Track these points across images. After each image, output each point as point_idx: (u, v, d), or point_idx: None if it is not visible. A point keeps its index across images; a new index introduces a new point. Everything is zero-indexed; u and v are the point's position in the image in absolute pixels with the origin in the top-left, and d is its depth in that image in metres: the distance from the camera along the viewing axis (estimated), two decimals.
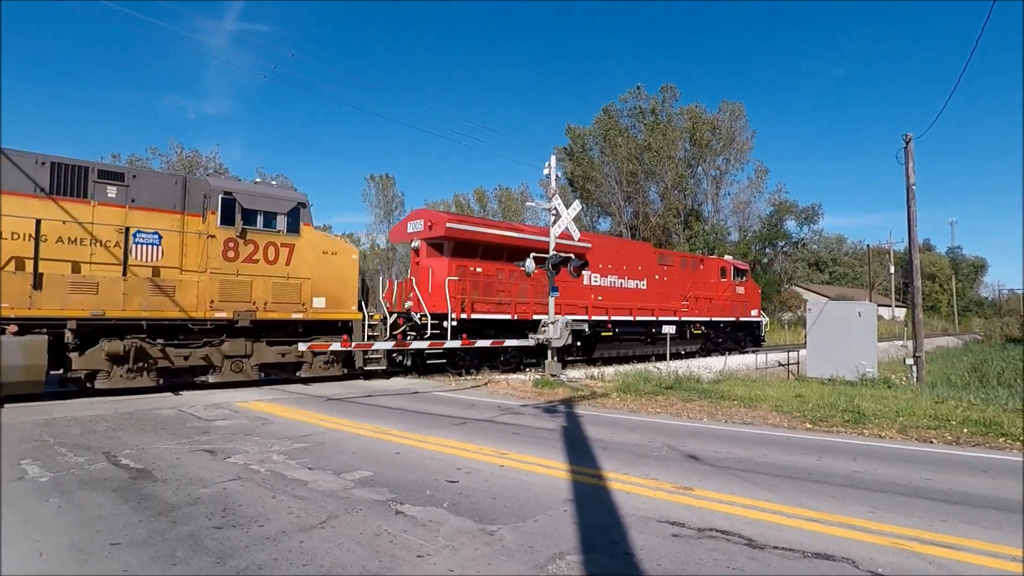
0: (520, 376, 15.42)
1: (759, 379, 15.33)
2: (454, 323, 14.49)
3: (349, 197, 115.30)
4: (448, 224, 15.44)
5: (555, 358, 14.34)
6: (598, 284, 19.13)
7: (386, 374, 14.53)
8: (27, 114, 76.69)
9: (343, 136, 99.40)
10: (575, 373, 16.00)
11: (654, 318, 20.58)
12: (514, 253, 15.93)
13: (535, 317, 15.83)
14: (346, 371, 13.71)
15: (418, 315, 14.59)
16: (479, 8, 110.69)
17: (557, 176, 15.19)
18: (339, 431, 7.78)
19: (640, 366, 16.65)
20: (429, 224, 15.64)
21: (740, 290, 25.34)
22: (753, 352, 23.91)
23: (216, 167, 33.23)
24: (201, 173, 32.62)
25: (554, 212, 14.76)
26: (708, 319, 23.26)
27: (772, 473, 5.95)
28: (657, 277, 21.24)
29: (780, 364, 19.96)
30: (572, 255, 14.99)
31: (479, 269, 15.79)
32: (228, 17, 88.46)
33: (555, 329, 13.96)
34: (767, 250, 54.01)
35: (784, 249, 56.04)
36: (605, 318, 18.83)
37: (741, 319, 25.31)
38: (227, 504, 4.67)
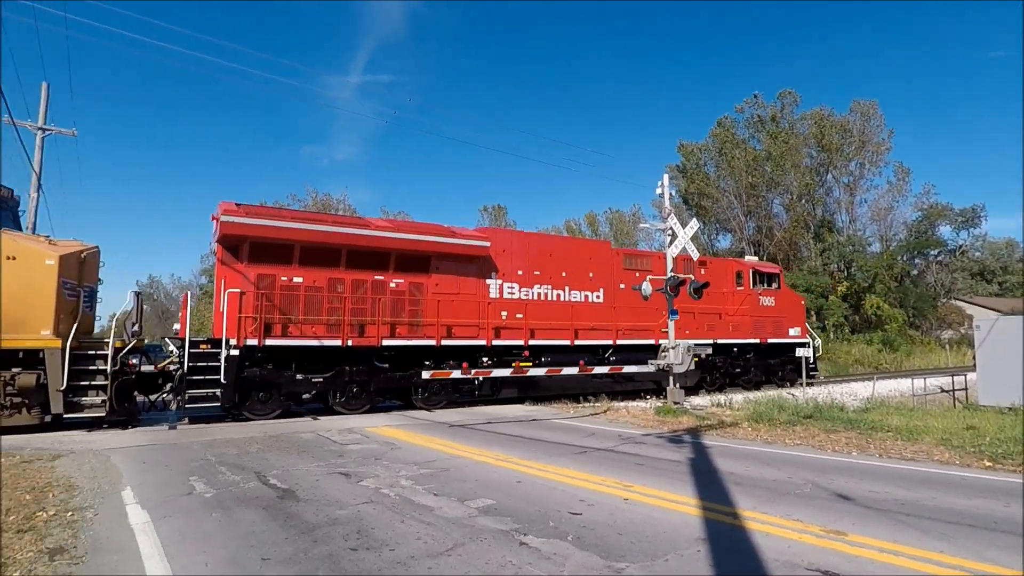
0: (641, 404, 14.90)
1: (917, 408, 13.54)
2: (234, 352, 10.89)
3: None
4: (226, 218, 11.17)
5: (677, 384, 13.70)
6: (512, 296, 14.38)
7: (502, 400, 14.66)
8: (197, 168, 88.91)
9: (458, 170, 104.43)
10: (699, 400, 15.17)
11: (608, 342, 15.47)
12: (359, 256, 12.51)
13: (387, 343, 12.52)
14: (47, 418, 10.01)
15: (174, 345, 11.08)
16: (580, 32, 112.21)
17: (671, 194, 14.71)
18: (462, 458, 7.94)
19: (773, 392, 15.40)
20: (216, 219, 11.51)
21: (767, 301, 19.12)
22: (800, 386, 18.20)
23: (346, 208, 36.25)
24: (334, 212, 35.76)
25: (670, 232, 14.27)
26: (711, 342, 17.15)
27: (946, 519, 5.15)
28: (623, 286, 15.97)
29: (942, 390, 17.52)
30: (685, 276, 14.41)
31: (298, 279, 11.97)
32: (354, 71, 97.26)
33: (676, 354, 13.35)
34: (916, 260, 48.25)
35: (939, 258, 49.75)
36: (519, 343, 14.16)
37: (771, 341, 18.85)
38: (361, 526, 4.89)
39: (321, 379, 12.10)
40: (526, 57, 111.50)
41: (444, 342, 13.15)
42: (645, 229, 47.30)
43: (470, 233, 14.48)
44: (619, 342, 15.61)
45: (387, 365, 12.82)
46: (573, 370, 14.76)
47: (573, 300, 15.36)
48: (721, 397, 15.37)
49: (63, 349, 9.69)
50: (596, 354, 15.48)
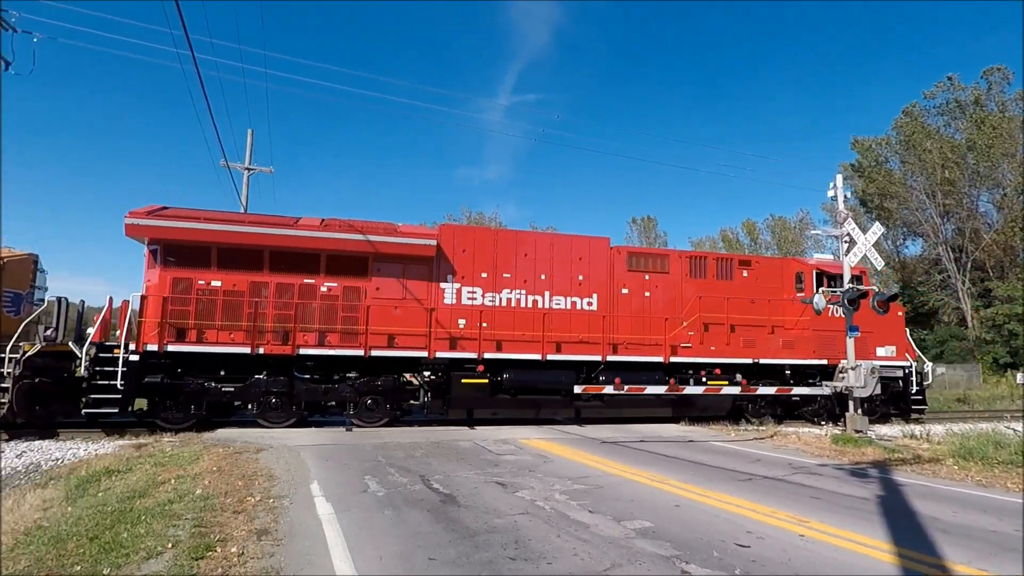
0: (814, 430, 13.44)
1: None
2: (133, 357, 10.45)
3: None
4: (129, 220, 10.85)
5: (859, 410, 12.13)
6: (473, 302, 12.60)
7: (653, 420, 14.11)
8: (371, 197, 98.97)
9: (607, 183, 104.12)
10: (885, 430, 13.28)
11: (596, 357, 13.00)
12: (284, 259, 11.66)
13: (305, 351, 11.54)
14: None
15: (76, 349, 10.51)
16: (728, 26, 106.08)
17: (845, 196, 13.22)
18: (615, 476, 7.77)
19: (987, 425, 12.92)
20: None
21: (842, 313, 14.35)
22: (901, 423, 14.66)
23: (496, 224, 37.92)
24: None
25: (846, 239, 12.80)
26: (751, 361, 14.00)
27: None
28: (626, 291, 13.56)
29: None
30: (868, 288, 12.79)
31: (216, 283, 11.34)
32: (501, 93, 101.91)
33: (857, 376, 11.87)
34: None
35: None
36: (472, 355, 12.32)
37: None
38: (518, 536, 4.98)
39: (232, 388, 11.37)
40: (671, 62, 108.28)
41: (375, 352, 11.73)
42: (815, 236, 43.07)
43: (415, 231, 12.78)
44: (613, 358, 13.08)
45: (308, 376, 11.81)
46: (659, 389, 13.12)
47: (555, 307, 13.02)
48: (916, 428, 13.29)
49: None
50: (580, 371, 13.15)
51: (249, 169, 20.15)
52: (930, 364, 15.89)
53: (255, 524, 5.17)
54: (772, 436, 12.27)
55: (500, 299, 12.80)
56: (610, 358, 13.08)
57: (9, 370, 10.06)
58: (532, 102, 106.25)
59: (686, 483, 7.36)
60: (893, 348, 15.03)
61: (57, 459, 8.87)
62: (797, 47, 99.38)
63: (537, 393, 12.77)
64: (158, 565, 4.19)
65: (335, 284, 11.87)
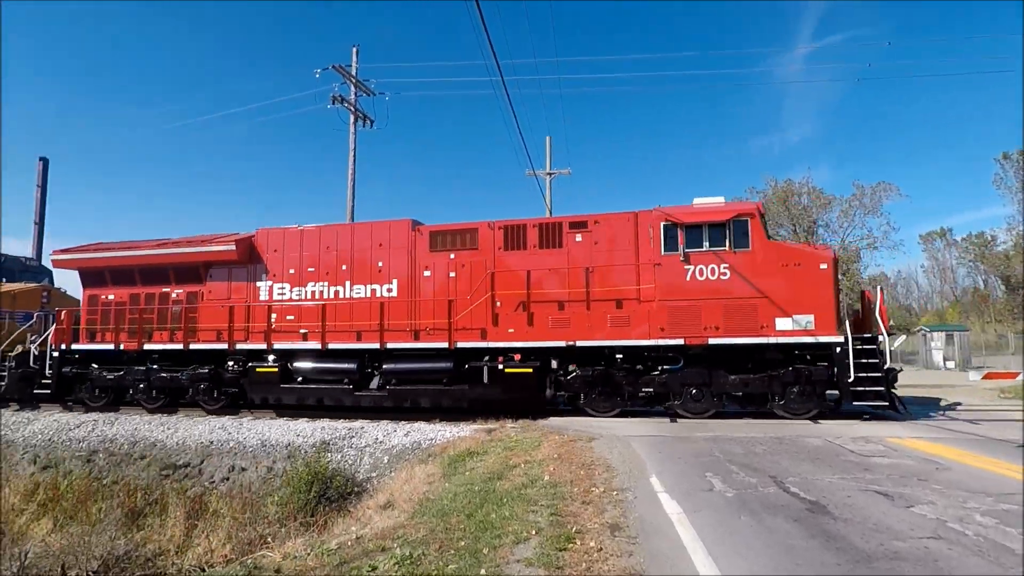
0: None
1: None
2: (55, 353, 14.13)
3: (974, 188, 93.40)
4: (53, 257, 15.44)
5: None
6: (283, 297, 13.13)
7: None
8: (656, 178, 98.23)
9: (951, 123, 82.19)
10: None
11: (374, 345, 12.04)
12: (148, 274, 14.07)
13: (148, 347, 13.56)
14: None
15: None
16: None
17: None
18: None
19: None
20: None
21: (718, 272, 10.65)
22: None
23: (809, 190, 32.98)
24: (796, 200, 33.04)
25: None
26: (565, 344, 11.17)
27: None
28: (429, 274, 12.35)
29: None
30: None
31: (110, 296, 14.33)
32: (800, 40, 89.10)
33: None
34: None
35: None
36: (262, 347, 12.83)
37: (716, 341, 10.59)
38: (936, 570, 3.74)
39: (112, 377, 13.80)
40: None
41: (193, 346, 13.23)
42: None
43: (219, 238, 13.80)
44: (394, 345, 12.09)
45: (156, 367, 13.55)
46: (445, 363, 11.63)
47: (355, 296, 12.66)
48: None
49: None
50: (364, 360, 12.27)
51: (550, 174, 21.63)
52: (884, 336, 10.43)
53: (605, 517, 5.06)
54: None
55: (305, 292, 13.03)
56: (391, 345, 12.10)
57: (11, 364, 14.46)
58: (836, 45, 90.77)
59: None
60: (811, 317, 10.33)
61: (432, 439, 10.59)
62: None
63: (321, 382, 12.54)
64: (527, 551, 4.33)
65: (181, 290, 13.88)
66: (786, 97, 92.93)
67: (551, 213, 21.65)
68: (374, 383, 12.29)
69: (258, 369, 12.69)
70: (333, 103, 20.35)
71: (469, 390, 11.64)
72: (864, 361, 10.33)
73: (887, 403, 10.16)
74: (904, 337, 13.47)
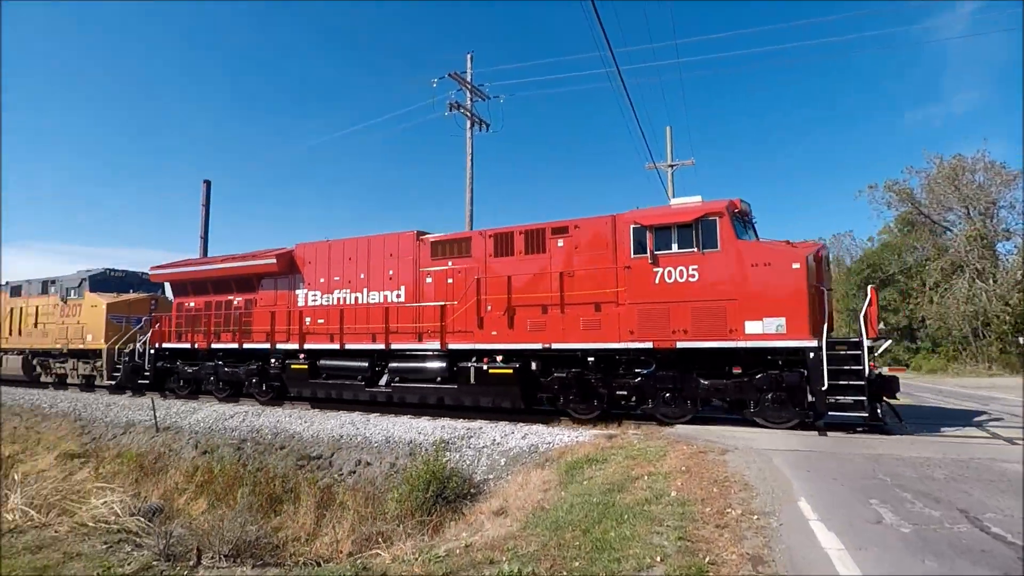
0: None
1: None
2: (152, 351, 16.77)
3: None
4: (150, 273, 18.36)
5: None
6: (315, 303, 14.38)
7: None
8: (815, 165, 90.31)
9: None
10: None
11: (381, 346, 13.07)
12: (217, 284, 16.13)
13: (215, 346, 15.71)
14: None
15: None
16: None
17: None
18: None
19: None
20: None
21: (687, 274, 10.09)
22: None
23: (986, 166, 28.15)
24: (968, 179, 28.45)
25: None
26: (541, 346, 11.27)
27: None
28: (430, 280, 12.86)
29: None
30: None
31: (191, 304, 16.49)
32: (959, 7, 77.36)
33: None
34: None
35: None
36: (295, 346, 14.31)
37: (684, 344, 10.03)
38: None
39: (191, 371, 16.19)
40: None
41: (246, 345, 15.08)
42: None
43: (269, 253, 15.26)
44: (397, 346, 13.00)
45: (221, 363, 15.63)
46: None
47: (371, 302, 13.73)
48: None
49: (110, 350, 18.36)
50: (373, 360, 13.43)
51: (672, 166, 20.42)
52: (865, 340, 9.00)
53: (745, 547, 4.32)
54: None
55: (332, 298, 14.22)
56: (394, 346, 13.05)
57: (126, 359, 17.40)
58: None
59: None
60: (782, 320, 9.30)
61: (549, 443, 10.22)
62: None
63: (340, 378, 13.73)
64: None
65: (240, 298, 15.57)
66: (948, 62, 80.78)
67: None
68: (383, 380, 13.31)
69: (293, 366, 14.27)
70: (450, 110, 20.81)
71: (458, 389, 12.14)
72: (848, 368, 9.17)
73: (866, 414, 8.99)
74: (889, 342, 11.23)
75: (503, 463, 9.99)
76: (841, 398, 9.05)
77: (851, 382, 9.02)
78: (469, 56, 21.26)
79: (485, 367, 11.75)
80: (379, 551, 5.37)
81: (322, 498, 9.35)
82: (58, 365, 20.49)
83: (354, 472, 11.02)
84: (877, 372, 9.54)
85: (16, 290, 22.12)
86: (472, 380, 11.82)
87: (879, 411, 9.38)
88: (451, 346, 12.25)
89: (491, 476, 9.71)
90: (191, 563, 5.77)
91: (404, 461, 10.62)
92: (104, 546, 6.34)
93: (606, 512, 5.38)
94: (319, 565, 5.95)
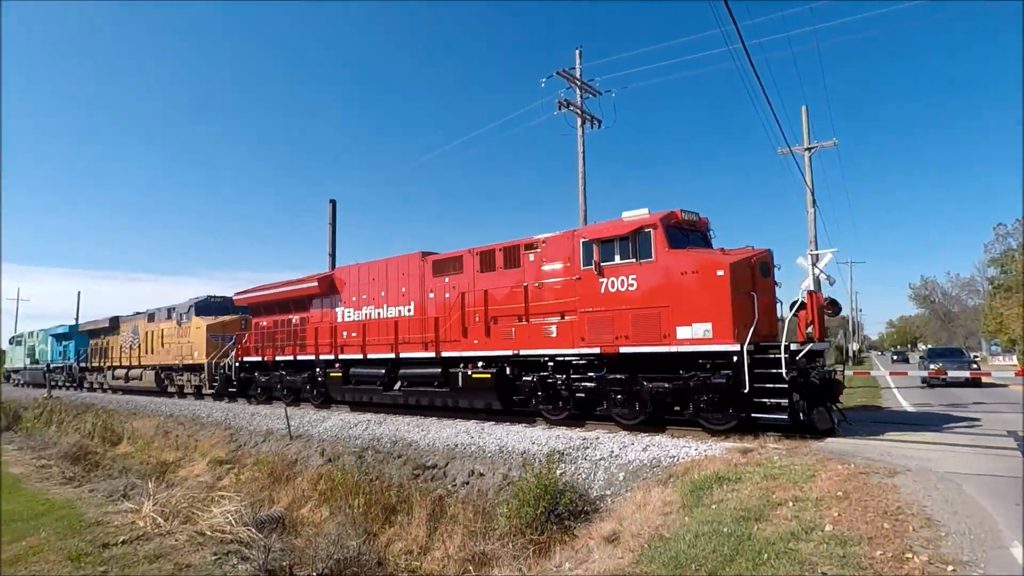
0: None
1: None
2: (235, 364, 19.93)
3: None
4: (236, 297, 21.47)
5: None
6: (350, 319, 16.26)
7: None
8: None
9: None
10: None
11: (392, 355, 14.69)
12: (280, 305, 18.63)
13: (279, 358, 18.16)
14: None
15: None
16: None
17: None
18: None
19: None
20: None
21: (622, 283, 10.70)
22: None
23: None
24: None
25: None
26: (512, 353, 12.26)
27: None
28: (433, 295, 14.17)
29: None
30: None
31: (264, 323, 19.05)
32: None
33: None
34: None
35: None
36: (330, 357, 16.43)
37: (626, 349, 10.53)
38: None
39: (264, 380, 18.81)
40: None
41: (299, 357, 17.36)
42: None
43: (313, 277, 17.56)
44: (405, 355, 14.46)
45: (283, 372, 18.20)
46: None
47: (389, 316, 15.22)
48: None
49: (210, 364, 21.57)
50: (387, 367, 15.02)
51: (809, 149, 18.19)
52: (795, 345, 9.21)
53: None
54: None
55: (361, 315, 15.85)
56: (403, 355, 14.42)
57: (222, 371, 20.63)
58: None
59: None
60: (708, 325, 9.60)
61: (673, 456, 9.17)
62: None
63: (364, 383, 15.34)
64: None
65: (296, 317, 17.74)
66: None
67: (812, 194, 18.21)
68: (396, 385, 14.81)
69: (331, 374, 16.27)
70: (559, 109, 20.26)
71: (450, 392, 13.36)
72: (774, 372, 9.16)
73: (784, 416, 9.06)
74: (811, 346, 9.61)
75: (622, 478, 9.12)
76: (768, 400, 9.17)
77: (776, 385, 9.13)
78: (578, 52, 20.56)
79: (470, 372, 12.99)
80: None
81: (433, 509, 9.13)
82: (177, 377, 24.26)
83: (467, 483, 10.71)
84: (825, 375, 9.97)
85: (151, 317, 26.58)
86: (460, 384, 13.04)
87: (829, 414, 9.60)
88: (444, 354, 13.60)
89: (608, 492, 8.88)
90: None
91: (517, 472, 10.13)
92: (213, 557, 6.51)
93: (740, 548, 4.42)
94: None
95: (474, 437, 11.90)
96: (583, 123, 20.59)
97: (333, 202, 25.38)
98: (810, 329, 9.53)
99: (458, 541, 7.93)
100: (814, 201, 18.01)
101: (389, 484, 10.44)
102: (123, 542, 7.17)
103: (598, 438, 10.53)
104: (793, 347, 9.18)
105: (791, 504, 5.52)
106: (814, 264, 12.32)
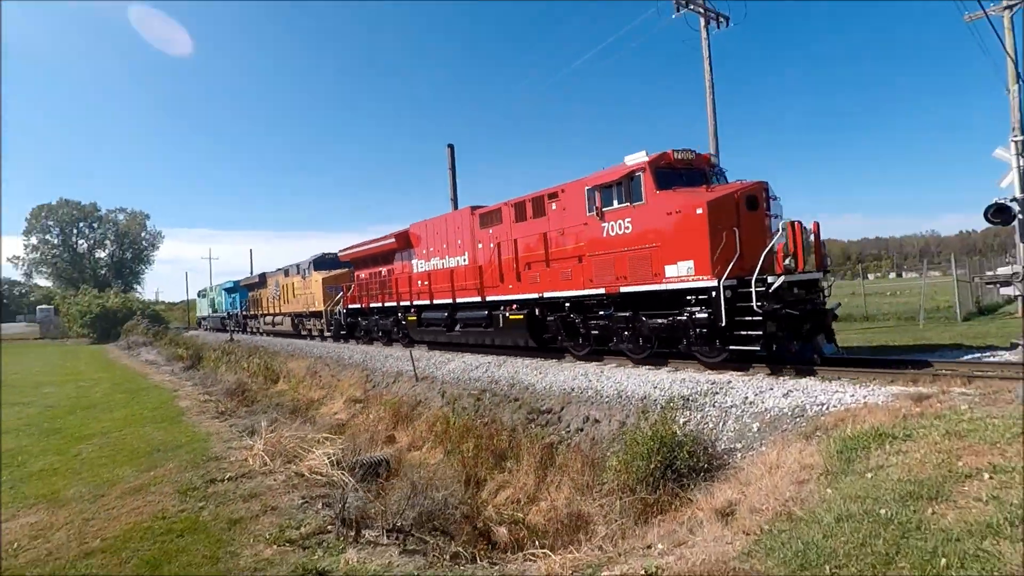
0: None
1: None
2: (342, 310, 23.63)
3: None
4: (341, 254, 24.36)
5: None
6: (422, 270, 18.36)
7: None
8: None
9: None
10: None
11: (451, 300, 16.69)
12: (373, 259, 21.36)
13: (373, 305, 21.47)
14: None
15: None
16: None
17: None
18: None
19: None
20: None
21: (616, 227, 11.34)
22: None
23: None
24: None
25: None
26: (537, 296, 13.44)
27: None
28: (481, 246, 15.58)
29: None
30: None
31: (362, 275, 22.28)
32: None
33: None
34: None
35: None
36: (408, 303, 18.92)
37: (627, 289, 11.10)
38: None
39: (364, 323, 22.31)
40: None
41: (386, 304, 20.27)
42: None
43: (392, 234, 19.80)
44: (461, 300, 16.32)
45: (377, 317, 21.22)
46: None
47: (449, 266, 16.91)
48: None
49: (326, 311, 25.46)
50: (449, 310, 17.05)
51: (1010, 6, 13.96)
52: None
53: None
54: None
55: (430, 266, 17.94)
56: (459, 300, 16.27)
57: (336, 317, 24.39)
58: None
59: None
60: (691, 263, 10.01)
61: (822, 404, 7.62)
62: None
63: (431, 325, 17.71)
64: None
65: (384, 269, 20.41)
66: None
67: (1016, 65, 14.16)
68: (457, 327, 16.57)
69: (409, 317, 18.80)
70: (678, 10, 17.73)
71: (494, 331, 14.81)
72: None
73: (757, 347, 9.04)
74: (783, 279, 8.37)
75: (756, 429, 7.78)
76: (744, 332, 9.29)
77: (751, 318, 9.15)
78: None
79: (507, 313, 14.37)
80: (535, 556, 4.16)
81: (542, 457, 8.59)
82: (306, 323, 28.22)
83: (582, 429, 10.02)
84: (818, 306, 9.99)
85: (286, 272, 30.68)
86: (500, 324, 14.48)
87: (819, 345, 9.86)
88: (488, 298, 15.08)
89: (739, 445, 7.61)
90: (352, 534, 5.41)
91: (635, 420, 9.23)
92: (301, 501, 6.52)
93: (904, 543, 3.15)
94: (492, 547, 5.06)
95: (592, 381, 11.12)
96: (707, 23, 17.88)
97: (451, 147, 25.18)
98: (788, 261, 9.24)
99: (566, 493, 7.32)
100: (1018, 75, 13.93)
101: (502, 428, 10.12)
102: (229, 479, 7.48)
103: (729, 382, 9.21)
104: (769, 279, 9.12)
105: (987, 477, 3.99)
106: (1020, 154, 9.46)
